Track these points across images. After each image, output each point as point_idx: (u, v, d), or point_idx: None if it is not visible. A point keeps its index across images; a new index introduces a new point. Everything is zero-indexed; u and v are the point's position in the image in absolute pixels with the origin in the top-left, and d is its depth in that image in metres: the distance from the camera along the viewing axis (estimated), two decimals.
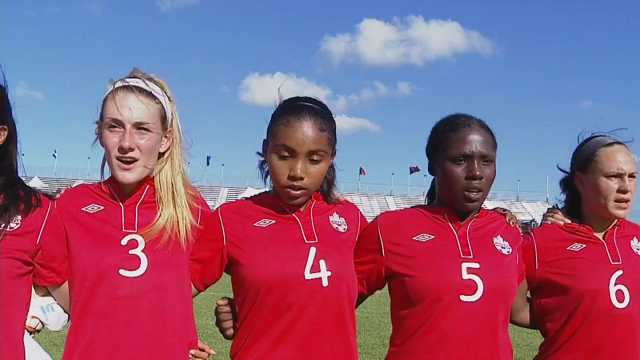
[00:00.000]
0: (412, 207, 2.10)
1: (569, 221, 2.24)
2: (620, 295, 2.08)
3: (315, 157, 1.84)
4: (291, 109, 1.88)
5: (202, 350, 1.92)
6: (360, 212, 2.11)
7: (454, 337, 1.83)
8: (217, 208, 2.00)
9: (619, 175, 2.12)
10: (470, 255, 1.90)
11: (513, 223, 2.09)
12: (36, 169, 63.38)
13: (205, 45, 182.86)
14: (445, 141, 1.95)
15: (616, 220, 2.20)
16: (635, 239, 2.23)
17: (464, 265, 1.87)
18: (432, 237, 1.94)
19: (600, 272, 2.10)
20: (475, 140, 1.91)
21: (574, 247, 2.16)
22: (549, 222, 2.26)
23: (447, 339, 1.83)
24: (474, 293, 1.84)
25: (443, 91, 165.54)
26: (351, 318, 1.90)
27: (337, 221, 1.99)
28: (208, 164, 71.92)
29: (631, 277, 2.11)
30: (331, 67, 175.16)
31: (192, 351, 1.89)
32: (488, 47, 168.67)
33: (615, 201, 2.12)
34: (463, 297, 1.84)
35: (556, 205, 2.34)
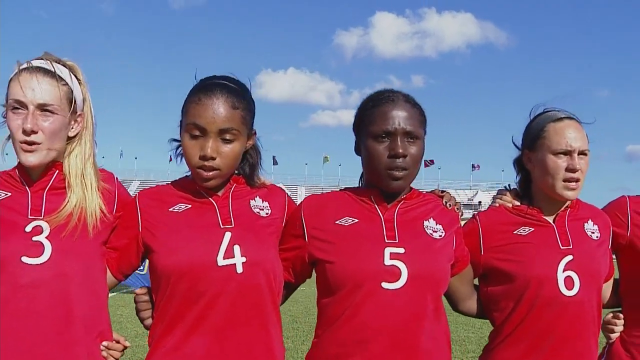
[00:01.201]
0: (340, 189, 1.97)
1: (517, 203, 2.08)
2: (569, 282, 1.92)
3: (227, 136, 1.74)
4: (203, 86, 1.78)
5: (117, 342, 1.83)
6: (289, 196, 1.99)
7: (374, 327, 1.70)
8: (136, 194, 1.90)
9: (568, 153, 1.95)
10: (395, 240, 1.77)
11: (450, 205, 1.94)
12: None
13: (216, 42, 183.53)
14: (367, 117, 1.82)
15: (568, 202, 2.05)
16: (590, 221, 2.07)
17: (387, 251, 1.74)
18: (356, 220, 1.82)
19: (548, 257, 1.95)
20: (398, 116, 1.77)
21: (521, 230, 2.01)
22: (497, 205, 2.11)
23: (367, 328, 1.70)
24: (396, 280, 1.71)
25: (458, 83, 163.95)
26: (273, 306, 1.79)
27: (259, 205, 1.87)
28: None
29: (582, 262, 1.95)
30: (344, 61, 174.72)
31: (104, 343, 1.80)
32: (503, 37, 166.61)
33: (564, 181, 1.95)
34: (385, 285, 1.70)
35: (508, 186, 2.18)
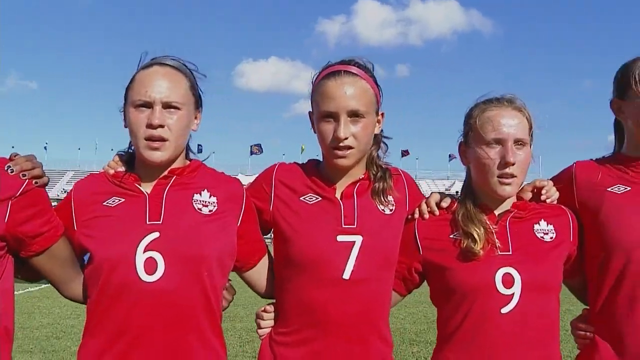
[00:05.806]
0: None
1: (122, 169, 1.80)
2: (151, 265, 1.62)
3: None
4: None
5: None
6: None
7: None
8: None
9: (149, 105, 1.71)
10: None
11: None
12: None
13: (197, 31, 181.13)
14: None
15: (175, 166, 1.79)
16: (205, 191, 1.79)
17: None
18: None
19: (127, 234, 1.65)
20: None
21: (110, 202, 1.73)
22: (102, 170, 1.86)
23: None
24: None
25: (443, 72, 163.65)
26: None
27: None
28: (200, 152, 70.38)
29: (169, 241, 1.65)
30: (327, 50, 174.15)
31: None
32: (489, 25, 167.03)
33: (146, 139, 1.70)
34: None
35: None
